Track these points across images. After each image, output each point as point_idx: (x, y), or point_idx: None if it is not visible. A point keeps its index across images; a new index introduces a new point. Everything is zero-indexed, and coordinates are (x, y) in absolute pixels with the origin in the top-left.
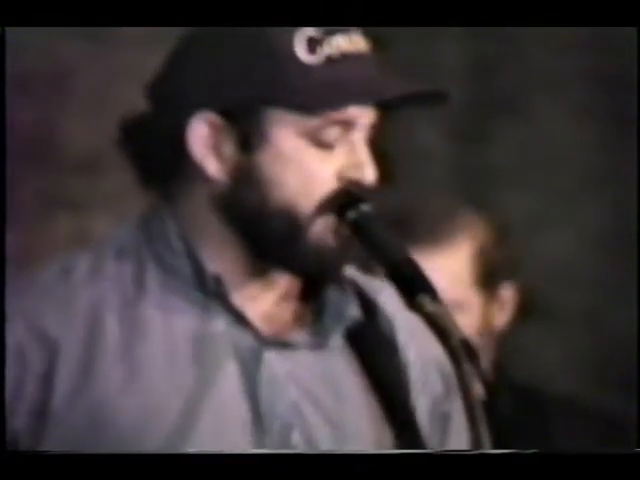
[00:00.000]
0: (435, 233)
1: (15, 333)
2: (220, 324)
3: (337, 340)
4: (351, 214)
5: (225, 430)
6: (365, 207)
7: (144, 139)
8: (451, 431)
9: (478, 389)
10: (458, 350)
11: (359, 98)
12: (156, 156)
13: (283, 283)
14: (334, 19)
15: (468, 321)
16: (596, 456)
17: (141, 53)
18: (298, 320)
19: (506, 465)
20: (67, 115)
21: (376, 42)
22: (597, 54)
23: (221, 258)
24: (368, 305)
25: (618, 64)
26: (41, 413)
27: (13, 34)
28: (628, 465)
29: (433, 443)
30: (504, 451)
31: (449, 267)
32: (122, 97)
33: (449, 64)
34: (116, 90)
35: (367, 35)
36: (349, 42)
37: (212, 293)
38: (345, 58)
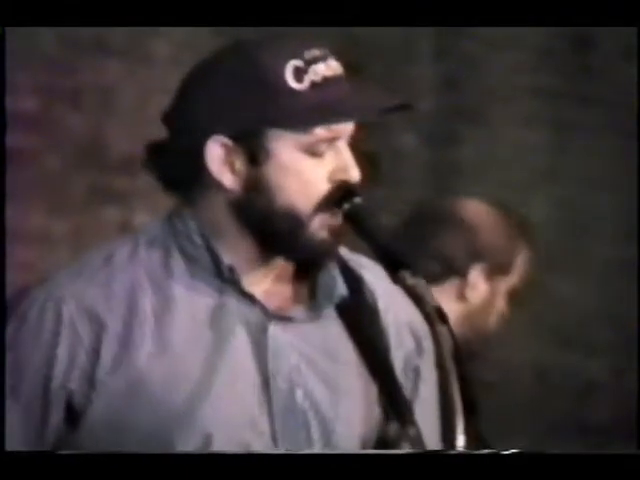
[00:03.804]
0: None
1: (69, 311)
2: (233, 304)
3: (329, 312)
4: (346, 206)
5: (238, 390)
6: (358, 199)
7: (164, 158)
8: (420, 383)
9: (449, 346)
10: (432, 315)
11: (339, 118)
12: (176, 170)
13: (280, 266)
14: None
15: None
16: (596, 456)
17: (171, 72)
18: (296, 298)
19: (506, 465)
20: (111, 123)
21: (355, 65)
22: (543, 72)
23: (234, 251)
24: (354, 279)
25: (561, 80)
26: (90, 378)
27: (65, 57)
28: (628, 465)
29: (406, 392)
30: (504, 451)
31: None
32: (155, 109)
33: (424, 80)
34: (150, 102)
35: (349, 60)
36: (328, 68)
37: (227, 280)
38: (326, 82)
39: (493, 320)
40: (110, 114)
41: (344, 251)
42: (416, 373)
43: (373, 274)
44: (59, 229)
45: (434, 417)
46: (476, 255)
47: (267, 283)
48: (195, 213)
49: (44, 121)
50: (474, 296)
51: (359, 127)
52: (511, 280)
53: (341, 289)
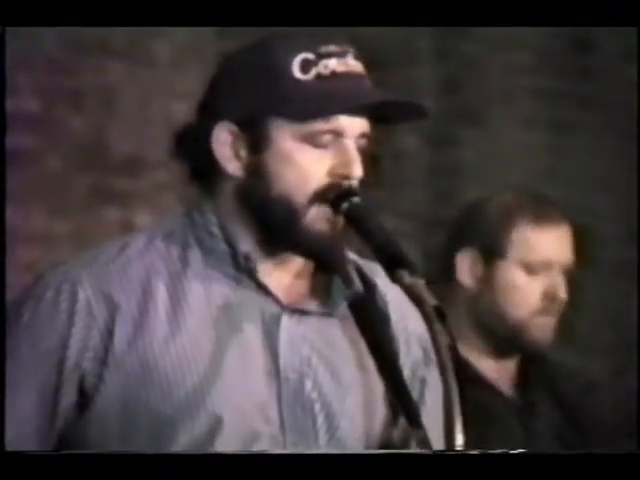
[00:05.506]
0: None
1: (85, 292)
2: (248, 294)
3: (342, 310)
4: (345, 205)
5: (249, 377)
6: (356, 199)
7: (188, 146)
8: (426, 393)
9: (447, 345)
10: (431, 314)
11: (341, 106)
12: (196, 158)
13: (298, 263)
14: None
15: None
16: (596, 456)
17: (172, 74)
18: (311, 293)
19: (506, 465)
20: (113, 124)
21: (368, 65)
22: (543, 73)
23: (247, 241)
24: (368, 284)
25: (561, 81)
26: (103, 359)
27: (66, 57)
28: (628, 465)
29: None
30: (505, 451)
31: None
32: (157, 110)
33: (424, 82)
34: (152, 104)
35: (359, 58)
36: (342, 64)
37: (242, 269)
38: (334, 76)
39: (520, 303)
40: (111, 115)
41: (357, 257)
42: (422, 383)
43: (385, 282)
44: (60, 230)
45: (439, 426)
46: (464, 240)
47: (287, 278)
48: (213, 205)
49: (45, 122)
50: (467, 279)
51: (373, 129)
52: (513, 259)
53: (356, 288)
